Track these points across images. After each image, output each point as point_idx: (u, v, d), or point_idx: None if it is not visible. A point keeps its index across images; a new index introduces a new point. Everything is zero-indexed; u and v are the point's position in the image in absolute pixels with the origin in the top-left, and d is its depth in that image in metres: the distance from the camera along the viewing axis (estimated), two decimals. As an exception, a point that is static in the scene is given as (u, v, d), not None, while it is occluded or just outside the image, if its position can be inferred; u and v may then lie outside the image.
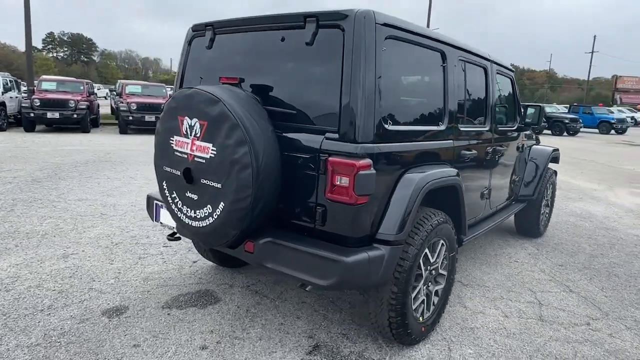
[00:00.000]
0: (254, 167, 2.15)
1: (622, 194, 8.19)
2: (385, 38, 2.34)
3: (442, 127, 2.87)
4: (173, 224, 2.84)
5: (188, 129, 2.36)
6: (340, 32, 2.25)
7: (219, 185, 2.26)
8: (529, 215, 4.93)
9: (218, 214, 2.30)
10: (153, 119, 14.11)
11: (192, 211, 2.43)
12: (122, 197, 6.05)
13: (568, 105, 30.25)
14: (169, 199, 2.58)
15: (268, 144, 2.25)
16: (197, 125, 2.31)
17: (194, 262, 3.91)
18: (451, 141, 2.97)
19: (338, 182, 2.21)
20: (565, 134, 24.00)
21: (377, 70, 2.24)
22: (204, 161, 2.30)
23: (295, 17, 2.42)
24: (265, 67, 2.59)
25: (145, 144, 12.11)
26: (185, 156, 2.40)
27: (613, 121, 26.66)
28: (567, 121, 23.98)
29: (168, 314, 2.98)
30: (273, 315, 3.05)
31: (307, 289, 2.37)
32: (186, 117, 2.37)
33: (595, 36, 57.52)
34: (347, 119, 2.22)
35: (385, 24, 2.34)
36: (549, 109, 26.06)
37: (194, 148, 2.34)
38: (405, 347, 2.70)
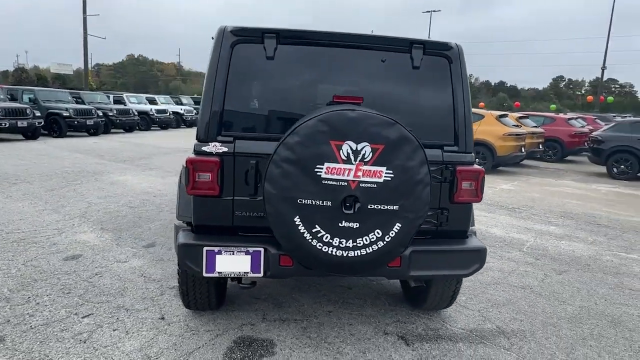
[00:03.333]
0: (430, 184, 2.33)
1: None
2: None
3: None
4: (238, 270, 2.44)
5: (351, 155, 2.19)
6: (446, 60, 2.64)
7: (395, 208, 2.27)
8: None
9: (392, 236, 2.30)
10: None
11: (349, 241, 2.28)
12: None
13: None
14: (306, 235, 2.25)
15: None
16: (368, 149, 2.20)
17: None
18: None
19: (465, 187, 2.65)
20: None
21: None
22: (375, 186, 2.23)
23: (400, 41, 2.59)
24: (360, 85, 2.60)
25: None
26: (345, 184, 2.21)
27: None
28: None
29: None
30: (335, 332, 3.04)
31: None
32: (348, 142, 2.19)
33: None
34: (463, 135, 2.67)
35: None
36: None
37: (360, 174, 2.21)
38: (442, 310, 3.39)
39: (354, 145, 2.19)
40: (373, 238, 2.29)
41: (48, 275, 3.72)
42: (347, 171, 2.20)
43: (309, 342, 2.88)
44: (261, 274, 2.48)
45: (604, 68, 33.96)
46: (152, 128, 21.22)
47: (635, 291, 4.03)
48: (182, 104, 25.37)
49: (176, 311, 3.20)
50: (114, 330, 2.91)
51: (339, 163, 2.19)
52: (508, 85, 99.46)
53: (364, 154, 2.20)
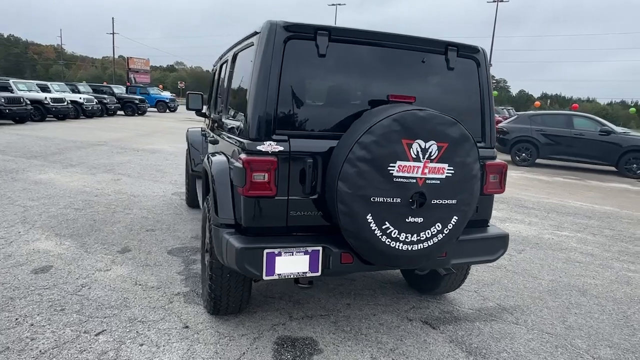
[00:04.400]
0: (480, 178, 2.52)
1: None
2: None
3: None
4: (297, 270, 2.44)
5: (420, 153, 2.29)
6: (475, 62, 2.84)
7: (453, 202, 2.42)
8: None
9: (450, 228, 2.45)
10: None
11: (414, 235, 2.38)
12: None
13: (126, 86, 31.46)
14: (377, 232, 2.31)
15: None
16: (434, 147, 2.31)
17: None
18: None
19: (492, 180, 2.89)
20: (136, 114, 25.44)
21: None
22: (438, 182, 2.36)
23: (438, 43, 2.72)
24: (404, 84, 2.68)
25: None
26: (414, 181, 2.31)
27: (167, 101, 30.47)
28: (137, 102, 25.44)
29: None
30: (365, 323, 3.13)
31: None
32: (417, 141, 2.28)
33: (113, 18, 60.23)
34: (488, 132, 2.90)
35: None
36: (117, 90, 26.51)
37: (426, 171, 2.32)
38: (445, 294, 3.65)
39: (423, 144, 2.29)
40: (434, 231, 2.42)
41: (24, 292, 3.27)
42: (416, 169, 2.30)
43: (346, 335, 2.94)
44: (319, 273, 2.48)
45: (490, 65, 37.72)
46: (47, 119, 18.98)
47: (583, 263, 4.69)
48: (79, 92, 23.04)
49: (197, 318, 3.03)
50: (141, 345, 2.68)
51: (409, 161, 2.28)
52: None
53: (430, 152, 2.31)
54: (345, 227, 2.30)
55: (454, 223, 2.45)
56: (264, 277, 2.39)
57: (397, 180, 2.28)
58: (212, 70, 4.90)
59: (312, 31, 2.48)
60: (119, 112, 25.00)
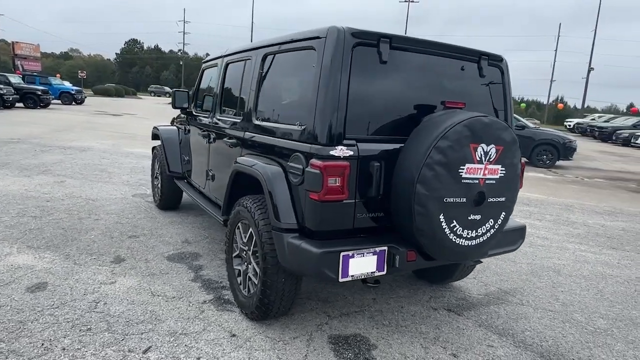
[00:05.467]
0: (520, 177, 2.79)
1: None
2: None
3: None
4: (367, 270, 2.56)
5: (482, 156, 2.49)
6: (499, 71, 3.11)
7: (502, 199, 2.66)
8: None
9: (499, 223, 2.70)
10: None
11: (473, 231, 2.59)
12: None
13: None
14: (446, 230, 2.47)
15: None
16: (493, 150, 2.52)
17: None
18: None
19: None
20: (38, 106, 22.95)
21: None
22: (494, 182, 2.58)
23: (474, 52, 2.94)
24: (449, 90, 2.86)
25: None
26: (477, 181, 2.50)
27: (73, 92, 27.86)
28: (39, 93, 22.94)
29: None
30: (399, 316, 3.29)
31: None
32: (482, 145, 2.47)
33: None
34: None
35: None
36: (13, 79, 23.57)
37: (486, 172, 2.53)
38: (451, 283, 3.94)
39: (485, 147, 2.49)
40: (487, 227, 2.65)
41: (33, 314, 2.94)
42: (479, 170, 2.50)
43: (389, 329, 3.08)
44: (384, 272, 2.59)
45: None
46: None
47: (544, 246, 5.30)
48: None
49: (238, 325, 2.97)
50: (198, 359, 2.58)
51: (474, 163, 2.47)
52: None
53: (490, 155, 2.52)
54: (420, 227, 2.43)
55: (502, 218, 2.70)
56: (340, 280, 2.44)
57: (464, 181, 2.46)
58: (203, 67, 4.68)
59: (375, 38, 2.55)
60: (17, 105, 22.35)
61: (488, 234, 2.66)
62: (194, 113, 4.65)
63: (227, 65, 3.91)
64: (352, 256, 2.46)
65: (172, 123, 6.07)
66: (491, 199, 2.59)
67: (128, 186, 6.89)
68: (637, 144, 23.38)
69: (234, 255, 3.25)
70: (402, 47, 2.66)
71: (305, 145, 2.56)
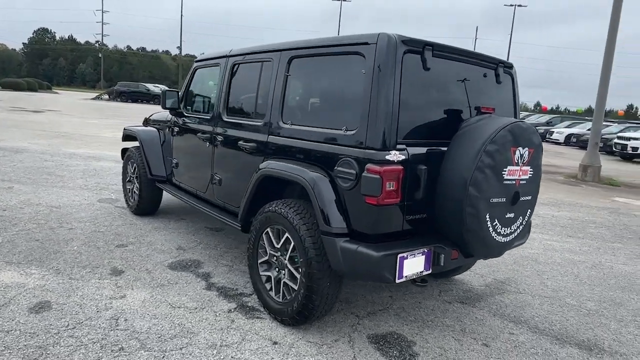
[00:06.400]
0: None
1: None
2: None
3: None
4: (417, 270, 2.67)
5: (519, 158, 2.68)
6: (510, 77, 3.33)
7: (529, 198, 2.88)
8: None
9: (525, 220, 2.91)
10: None
11: (508, 228, 2.78)
12: None
13: None
14: (490, 228, 2.63)
15: None
16: (526, 153, 2.72)
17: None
18: None
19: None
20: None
21: None
22: (525, 182, 2.78)
23: (495, 60, 3.12)
24: (476, 95, 3.01)
25: None
26: (514, 182, 2.69)
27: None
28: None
29: None
30: (420, 311, 3.42)
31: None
32: (519, 148, 2.66)
33: None
34: None
35: None
36: None
37: (520, 173, 2.73)
38: (453, 277, 4.16)
39: (522, 150, 2.68)
40: (518, 224, 2.85)
41: (50, 337, 2.68)
42: (516, 172, 2.68)
43: (418, 324, 3.20)
44: (430, 271, 2.69)
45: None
46: None
47: (514, 237, 5.73)
48: None
49: (276, 332, 2.93)
50: (251, 370, 2.52)
51: (513, 165, 2.65)
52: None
53: (524, 157, 2.72)
54: (470, 227, 2.56)
55: (527, 215, 2.92)
56: (396, 281, 2.51)
57: (505, 182, 2.63)
58: (196, 66, 4.46)
59: (421, 45, 2.64)
60: None
61: (517, 230, 2.87)
62: (185, 114, 4.45)
63: (233, 66, 3.78)
64: (407, 257, 2.54)
65: (145, 123, 5.75)
66: (523, 198, 2.79)
67: (88, 190, 6.41)
68: (551, 139, 25.80)
69: (260, 261, 3.18)
70: (440, 55, 2.77)
71: (356, 150, 2.58)
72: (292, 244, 2.86)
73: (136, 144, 5.46)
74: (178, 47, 51.36)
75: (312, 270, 2.72)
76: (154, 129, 5.12)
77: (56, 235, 4.45)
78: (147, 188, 5.06)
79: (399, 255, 2.50)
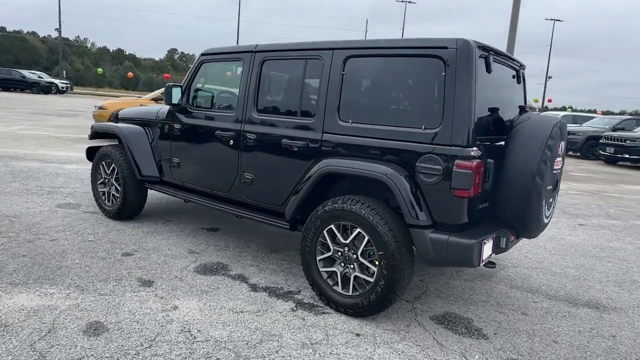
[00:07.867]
0: None
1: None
2: None
3: None
4: (488, 254, 2.98)
5: (560, 150, 3.10)
6: (523, 77, 3.76)
7: (559, 185, 3.35)
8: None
9: (555, 205, 3.38)
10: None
11: (549, 211, 3.21)
12: None
13: None
14: (543, 212, 3.02)
15: None
16: (562, 146, 3.16)
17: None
18: None
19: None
20: None
21: None
22: (558, 171, 3.23)
23: (520, 62, 3.52)
24: (509, 95, 3.38)
25: None
26: (557, 171, 3.12)
27: None
28: None
29: (492, 337, 3.04)
30: (452, 299, 3.75)
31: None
32: (562, 142, 3.08)
33: None
34: None
35: None
36: None
37: (559, 164, 3.17)
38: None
39: (562, 144, 3.11)
40: (552, 207, 3.30)
41: (129, 358, 2.47)
42: (559, 162, 3.11)
43: (462, 303, 3.51)
44: (495, 253, 3.01)
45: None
46: None
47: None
48: None
49: (349, 324, 3.02)
50: (356, 363, 2.61)
51: (559, 157, 3.07)
52: (127, 53, 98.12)
53: (562, 150, 3.15)
54: (534, 212, 2.91)
55: (555, 201, 3.39)
56: (480, 265, 2.78)
57: (553, 172, 3.03)
58: (203, 60, 4.17)
59: (487, 50, 2.90)
60: None
61: (550, 212, 3.32)
62: (191, 111, 4.19)
63: (263, 61, 3.67)
64: (485, 243, 2.82)
65: (115, 120, 5.28)
66: (558, 185, 3.24)
67: (36, 196, 5.66)
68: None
69: (319, 258, 3.22)
70: (495, 58, 3.07)
71: (440, 147, 2.77)
72: (367, 238, 2.96)
73: (109, 142, 5.02)
74: (57, 29, 45.71)
75: (394, 262, 2.86)
76: (139, 127, 4.72)
77: (41, 248, 3.93)
78: (133, 190, 4.67)
79: (483, 242, 2.76)
